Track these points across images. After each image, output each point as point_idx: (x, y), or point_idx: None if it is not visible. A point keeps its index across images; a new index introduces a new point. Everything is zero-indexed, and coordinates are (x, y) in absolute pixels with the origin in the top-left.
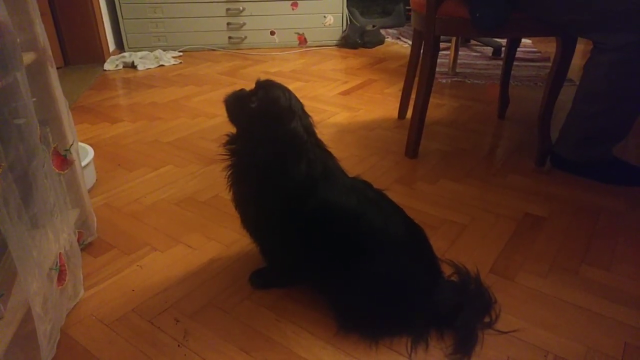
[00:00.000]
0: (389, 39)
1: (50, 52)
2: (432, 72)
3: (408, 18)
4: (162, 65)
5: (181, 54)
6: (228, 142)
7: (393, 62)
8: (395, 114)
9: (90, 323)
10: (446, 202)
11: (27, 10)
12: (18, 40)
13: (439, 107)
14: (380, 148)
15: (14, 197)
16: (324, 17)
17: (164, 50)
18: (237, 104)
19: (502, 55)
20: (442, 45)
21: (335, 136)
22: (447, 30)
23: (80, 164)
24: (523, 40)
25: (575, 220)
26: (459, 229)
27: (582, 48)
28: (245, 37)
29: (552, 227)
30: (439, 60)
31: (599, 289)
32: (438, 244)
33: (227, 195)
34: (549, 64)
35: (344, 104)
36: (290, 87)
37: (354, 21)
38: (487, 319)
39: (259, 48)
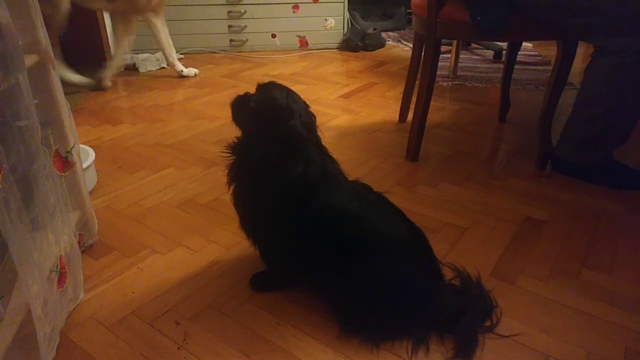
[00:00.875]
0: (389, 42)
1: (52, 54)
2: (433, 75)
3: (409, 21)
4: (164, 68)
5: (182, 56)
6: (232, 143)
7: (394, 65)
8: (396, 117)
9: (90, 325)
10: (447, 205)
11: (29, 13)
12: (20, 42)
13: (439, 110)
14: (381, 151)
15: (14, 199)
16: (325, 20)
17: None
18: (239, 105)
19: (503, 58)
20: (443, 48)
21: (336, 139)
22: (448, 33)
23: (82, 166)
24: (524, 43)
25: (576, 224)
26: (459, 232)
27: (582, 52)
28: (247, 40)
29: (552, 231)
30: (439, 64)
31: (600, 292)
32: (439, 247)
33: (227, 198)
34: (550, 68)
35: (345, 106)
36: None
37: (355, 24)
38: (487, 323)
39: (260, 51)
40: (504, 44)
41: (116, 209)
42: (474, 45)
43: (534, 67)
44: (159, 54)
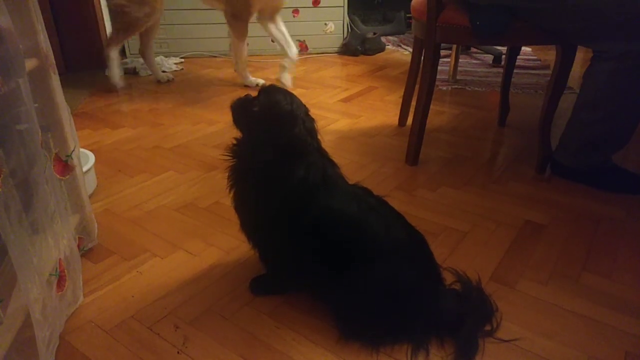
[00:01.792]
0: (389, 47)
1: (52, 59)
2: (433, 80)
3: (409, 26)
4: (164, 72)
5: (183, 60)
6: (232, 145)
7: (394, 70)
8: (396, 121)
9: (89, 329)
10: (446, 209)
11: (29, 17)
12: (20, 46)
13: (439, 115)
14: (381, 155)
15: (14, 203)
16: (325, 24)
17: (166, 57)
18: (240, 108)
19: (503, 62)
20: (442, 52)
21: (336, 143)
22: (447, 38)
23: (82, 170)
24: (523, 48)
25: (576, 228)
26: (459, 236)
27: (581, 56)
28: (247, 44)
29: (552, 235)
30: (439, 68)
31: (600, 296)
32: (438, 251)
33: (227, 202)
34: (549, 72)
35: (345, 111)
36: None
37: (355, 28)
38: (488, 327)
39: (260, 55)
40: (504, 48)
41: (116, 213)
42: (473, 49)
43: (534, 72)
44: (158, 58)
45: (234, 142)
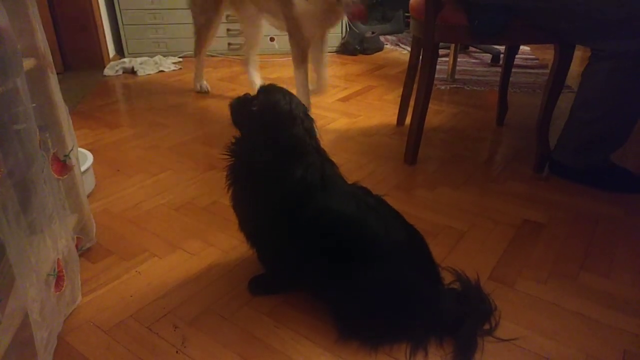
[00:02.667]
0: (388, 46)
1: (50, 58)
2: (431, 79)
3: (407, 25)
4: (162, 71)
5: (181, 59)
6: (231, 144)
7: (392, 69)
8: (394, 120)
9: (88, 329)
10: (445, 208)
11: (27, 16)
12: (18, 46)
13: (438, 114)
14: (379, 154)
15: (12, 203)
16: None
17: (164, 56)
18: (239, 107)
19: (501, 62)
20: (441, 52)
21: (334, 142)
22: (446, 37)
23: (80, 170)
24: (521, 47)
25: (574, 227)
26: (457, 236)
27: (580, 55)
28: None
29: (550, 234)
30: (438, 67)
31: (598, 295)
32: (437, 251)
33: (226, 201)
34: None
35: (343, 110)
36: None
37: (354, 28)
38: (487, 327)
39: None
40: (502, 48)
41: (114, 212)
42: (472, 48)
43: (532, 71)
44: (157, 58)
45: (233, 140)
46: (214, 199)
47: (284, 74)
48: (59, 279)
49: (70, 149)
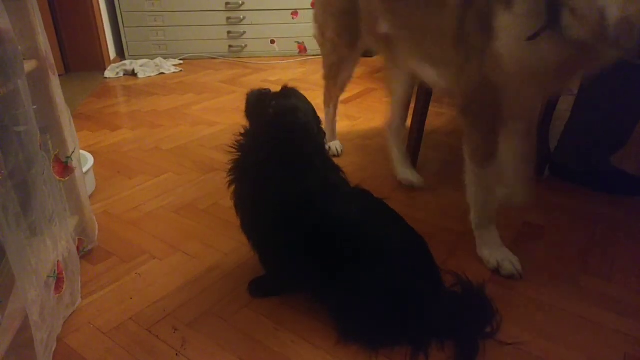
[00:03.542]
0: None
1: (52, 60)
2: None
3: None
4: (163, 73)
5: (182, 62)
6: (240, 135)
7: None
8: None
9: (87, 331)
10: (445, 210)
11: (29, 18)
12: (19, 48)
13: (438, 116)
14: (380, 157)
15: (13, 205)
16: None
17: (165, 58)
18: (256, 102)
19: None
20: None
21: None
22: None
23: (82, 171)
24: None
25: (575, 229)
26: (458, 238)
27: None
28: (246, 46)
29: (551, 236)
30: None
31: (599, 298)
32: (437, 253)
33: (226, 204)
34: None
35: (344, 112)
36: None
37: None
38: (488, 329)
39: (259, 57)
40: None
41: (114, 215)
42: None
43: None
44: (157, 60)
45: (242, 132)
46: (214, 201)
47: (285, 77)
48: (59, 281)
49: (72, 150)
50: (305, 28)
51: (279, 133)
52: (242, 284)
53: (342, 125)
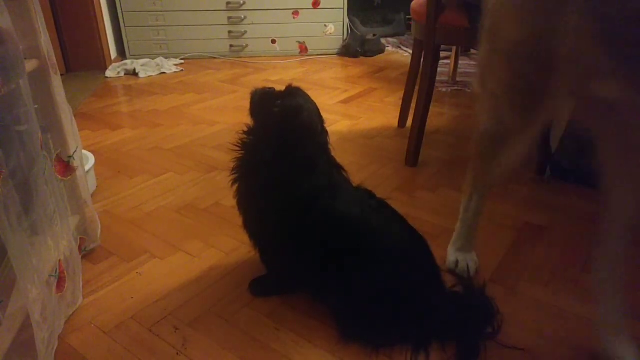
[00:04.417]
0: (389, 48)
1: (54, 60)
2: (433, 81)
3: (409, 27)
4: (164, 73)
5: (182, 61)
6: (244, 133)
7: (393, 71)
8: (396, 122)
9: (88, 330)
10: (446, 210)
11: (30, 18)
12: (21, 47)
13: (439, 116)
14: (381, 156)
15: (14, 204)
16: (325, 26)
17: (166, 58)
18: (261, 101)
19: None
20: (442, 54)
21: (336, 144)
22: (447, 39)
23: (84, 171)
24: None
25: (576, 229)
26: None
27: None
28: (247, 46)
29: (552, 237)
30: (439, 69)
31: None
32: (438, 253)
33: (227, 203)
34: None
35: (345, 112)
36: None
37: (355, 30)
38: (489, 329)
39: (260, 56)
40: None
41: (115, 214)
42: (473, 51)
43: None
44: (158, 59)
45: (245, 130)
46: (215, 200)
47: (285, 76)
48: (61, 280)
49: (74, 150)
50: (306, 28)
51: (284, 132)
52: (243, 284)
53: (343, 125)
